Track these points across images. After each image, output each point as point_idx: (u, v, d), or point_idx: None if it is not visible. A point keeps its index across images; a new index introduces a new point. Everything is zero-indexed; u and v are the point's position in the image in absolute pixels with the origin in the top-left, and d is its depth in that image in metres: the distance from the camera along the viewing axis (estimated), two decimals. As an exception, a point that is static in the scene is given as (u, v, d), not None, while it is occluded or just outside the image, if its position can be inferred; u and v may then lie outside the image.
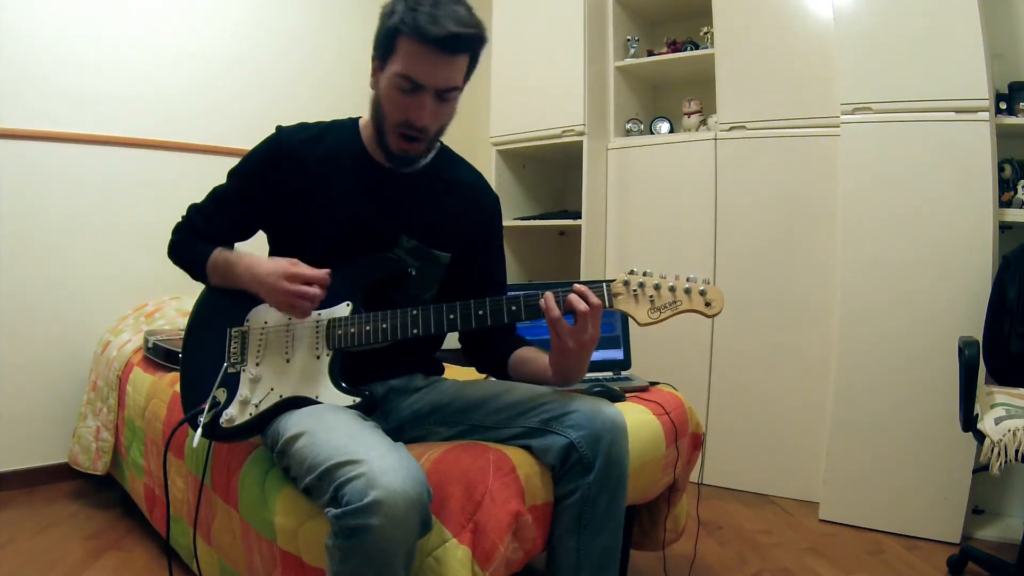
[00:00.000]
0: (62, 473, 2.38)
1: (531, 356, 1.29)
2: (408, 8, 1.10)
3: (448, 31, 1.09)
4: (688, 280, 1.12)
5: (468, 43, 1.13)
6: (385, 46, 1.15)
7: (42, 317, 2.38)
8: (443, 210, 1.32)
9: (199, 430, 1.19)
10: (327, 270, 1.19)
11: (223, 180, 1.34)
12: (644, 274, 1.13)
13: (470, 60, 1.17)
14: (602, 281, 1.13)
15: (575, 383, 1.25)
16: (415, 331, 1.17)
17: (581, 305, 1.10)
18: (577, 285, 1.12)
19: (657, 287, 1.11)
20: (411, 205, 1.29)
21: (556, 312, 1.11)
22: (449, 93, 1.17)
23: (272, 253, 1.36)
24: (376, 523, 0.88)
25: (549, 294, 1.12)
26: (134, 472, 1.97)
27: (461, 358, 2.14)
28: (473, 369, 1.92)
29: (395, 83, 1.14)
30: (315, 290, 1.17)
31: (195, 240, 1.34)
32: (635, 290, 1.12)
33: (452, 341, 1.54)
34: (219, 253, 1.30)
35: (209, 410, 1.20)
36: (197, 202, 1.37)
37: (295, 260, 1.20)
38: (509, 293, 1.19)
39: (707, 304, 1.10)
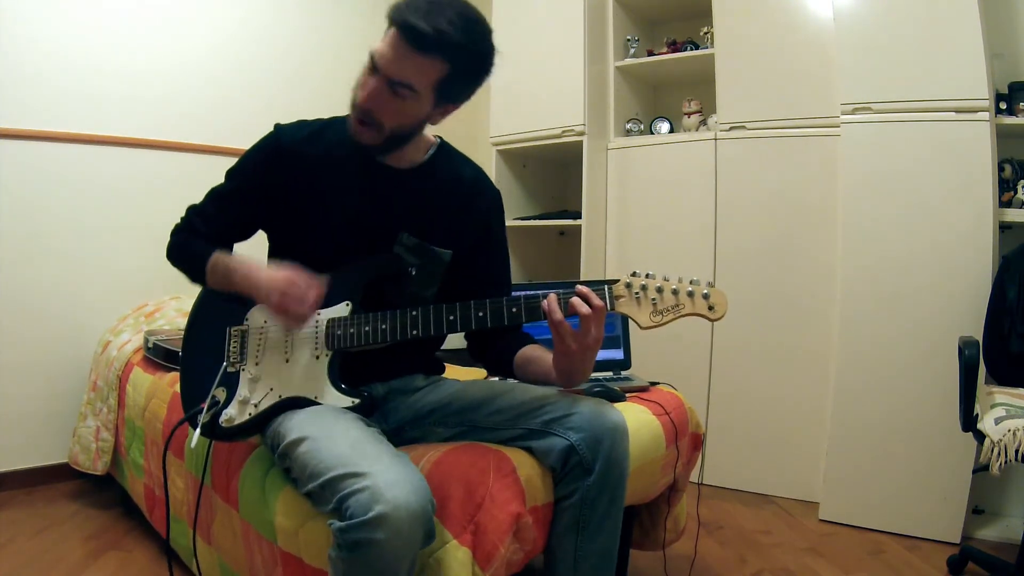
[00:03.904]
0: (62, 473, 2.38)
1: (536, 355, 1.28)
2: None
3: (409, 21, 1.05)
4: (691, 283, 1.09)
5: (431, 44, 1.06)
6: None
7: (42, 317, 2.38)
8: (444, 207, 1.31)
9: (198, 429, 1.18)
10: (325, 277, 1.18)
11: (222, 180, 1.33)
12: (647, 276, 1.11)
13: (450, 72, 1.11)
14: (604, 282, 1.12)
15: (580, 383, 1.24)
16: (415, 332, 1.17)
17: (584, 308, 1.09)
18: (580, 287, 1.11)
19: (660, 290, 1.09)
20: (412, 202, 1.28)
21: (559, 315, 1.10)
22: (400, 88, 1.10)
23: (271, 252, 1.35)
24: (381, 537, 0.88)
25: (552, 296, 1.11)
26: (134, 472, 1.97)
27: (462, 358, 2.13)
28: (474, 369, 1.93)
29: (366, 62, 1.13)
30: (312, 295, 1.15)
31: (194, 242, 1.31)
32: (637, 293, 1.10)
33: (452, 341, 1.54)
34: (218, 257, 1.26)
35: (208, 409, 1.19)
36: (195, 203, 1.34)
37: (294, 272, 1.16)
38: (512, 293, 1.19)
39: (710, 308, 1.08)
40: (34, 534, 1.99)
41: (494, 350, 1.35)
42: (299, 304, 1.15)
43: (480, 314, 1.14)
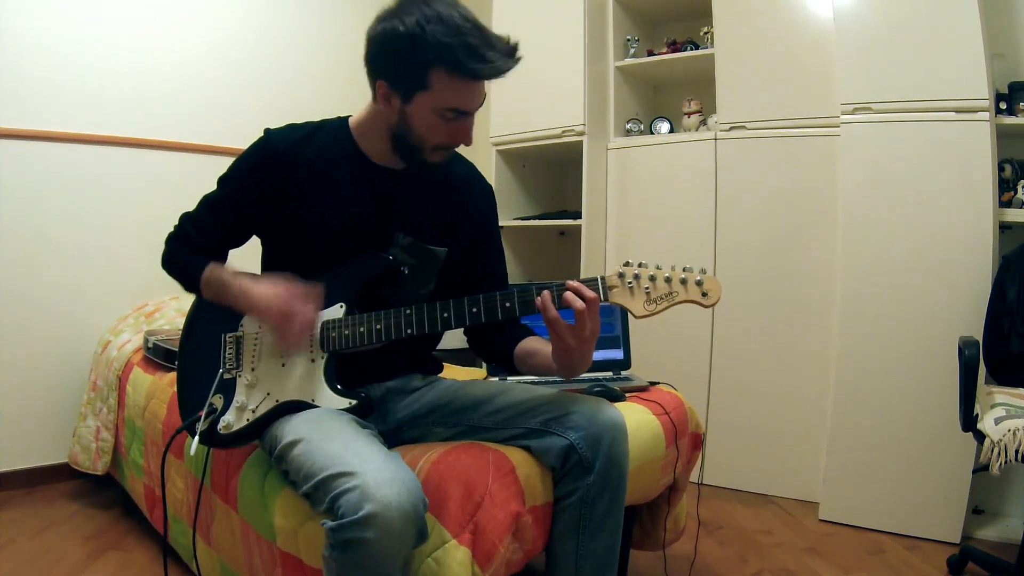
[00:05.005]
0: (62, 473, 2.39)
1: (536, 348, 1.27)
2: (440, 42, 1.06)
3: (497, 67, 1.08)
4: (684, 270, 1.09)
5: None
6: (413, 78, 1.10)
7: (42, 317, 2.38)
8: (438, 205, 1.31)
9: (196, 437, 1.18)
10: (320, 289, 1.19)
11: (214, 187, 1.31)
12: (639, 265, 1.10)
13: None
14: (596, 277, 1.11)
15: (582, 373, 1.23)
16: (409, 331, 1.16)
17: (578, 304, 1.08)
18: (571, 282, 1.10)
19: (653, 278, 1.09)
20: (406, 202, 1.28)
21: (553, 312, 1.09)
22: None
23: (265, 258, 1.34)
24: (371, 536, 0.88)
25: (546, 294, 1.10)
26: (134, 472, 1.97)
27: (461, 358, 2.13)
28: (472, 369, 1.93)
29: (437, 114, 1.13)
30: (310, 311, 1.17)
31: (189, 251, 1.31)
32: (630, 282, 1.09)
33: (450, 341, 1.53)
34: (212, 271, 1.27)
35: (206, 417, 1.19)
36: (189, 211, 1.33)
37: (289, 287, 1.18)
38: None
39: (704, 294, 1.08)
40: (34, 534, 1.99)
41: (493, 344, 1.35)
42: (300, 321, 1.16)
43: (474, 310, 1.14)
